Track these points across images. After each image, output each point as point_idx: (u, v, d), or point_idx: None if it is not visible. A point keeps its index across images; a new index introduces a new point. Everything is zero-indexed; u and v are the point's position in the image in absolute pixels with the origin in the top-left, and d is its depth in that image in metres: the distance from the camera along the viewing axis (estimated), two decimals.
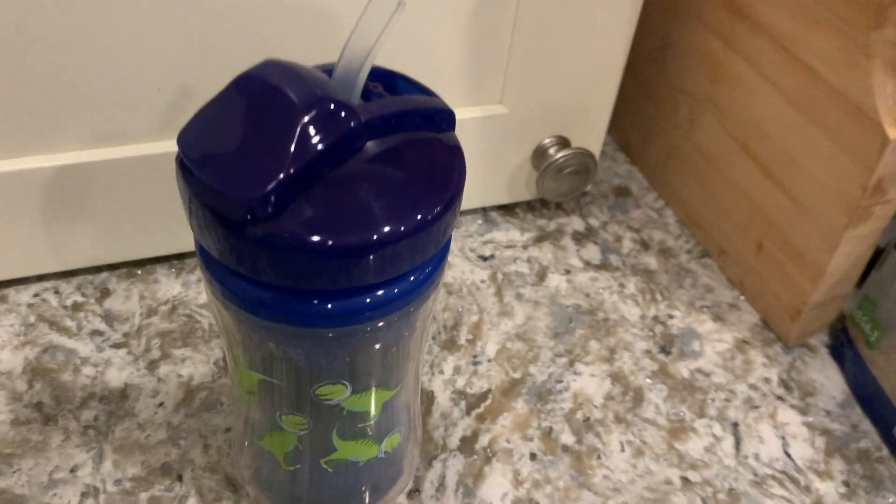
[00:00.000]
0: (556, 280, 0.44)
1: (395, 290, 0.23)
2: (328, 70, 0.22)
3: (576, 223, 0.48)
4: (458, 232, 0.46)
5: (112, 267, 0.41)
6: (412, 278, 0.24)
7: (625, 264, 0.45)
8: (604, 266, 0.45)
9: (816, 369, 0.41)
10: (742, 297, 0.44)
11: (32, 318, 0.39)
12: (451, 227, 0.24)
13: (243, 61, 0.36)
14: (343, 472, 0.29)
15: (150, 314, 0.40)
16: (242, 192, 0.20)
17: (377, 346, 0.25)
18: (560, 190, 0.45)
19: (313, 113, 0.20)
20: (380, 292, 0.23)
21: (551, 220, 0.48)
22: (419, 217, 0.22)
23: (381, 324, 0.24)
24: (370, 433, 0.28)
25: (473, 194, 0.46)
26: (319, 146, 0.20)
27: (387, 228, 0.21)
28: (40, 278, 0.41)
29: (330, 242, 0.20)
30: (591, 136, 0.45)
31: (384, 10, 0.21)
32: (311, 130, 0.20)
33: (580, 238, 0.47)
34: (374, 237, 0.21)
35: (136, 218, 0.39)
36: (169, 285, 0.41)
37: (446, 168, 0.23)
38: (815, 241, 0.38)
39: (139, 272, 0.41)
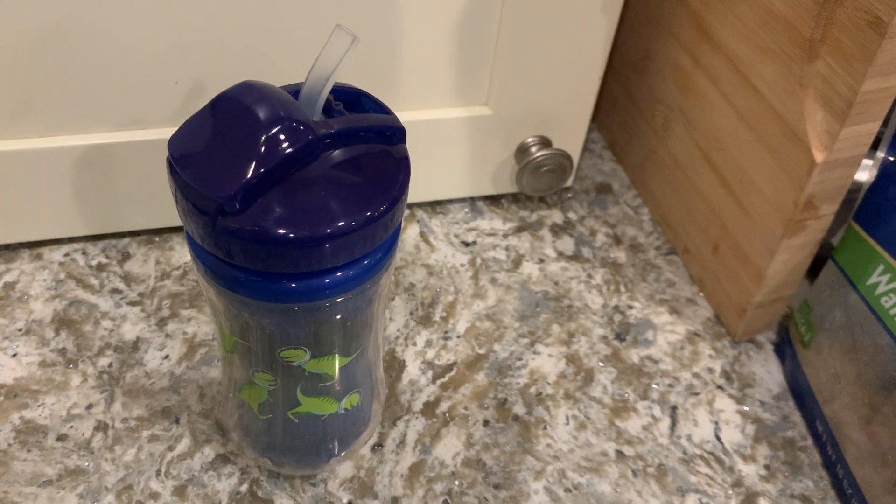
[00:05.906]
0: (529, 268, 0.48)
1: (350, 273, 0.28)
2: (296, 91, 0.27)
3: (556, 216, 0.52)
4: (445, 218, 0.50)
5: (133, 234, 0.47)
6: (365, 262, 0.28)
7: (595, 257, 0.49)
8: (575, 257, 0.49)
9: (759, 364, 0.45)
10: (700, 294, 0.48)
11: (62, 275, 0.45)
12: (396, 221, 0.28)
13: (247, 63, 0.41)
14: (309, 424, 0.34)
15: (163, 277, 0.45)
16: (214, 190, 0.24)
17: (337, 318, 0.30)
18: (537, 186, 0.49)
19: (275, 129, 0.25)
20: (338, 274, 0.28)
21: (533, 212, 0.52)
22: (367, 214, 0.26)
23: (339, 300, 0.29)
24: (331, 392, 0.33)
25: (461, 184, 0.50)
26: (278, 156, 0.25)
27: (339, 223, 0.26)
28: (71, 240, 0.46)
29: (290, 234, 0.25)
30: (572, 137, 0.49)
31: (341, 45, 0.26)
32: (272, 143, 0.25)
33: (557, 230, 0.51)
34: (327, 230, 0.26)
35: (154, 192, 0.44)
36: (182, 252, 0.46)
37: (393, 174, 0.28)
38: (758, 247, 0.41)
39: (157, 239, 0.47)
